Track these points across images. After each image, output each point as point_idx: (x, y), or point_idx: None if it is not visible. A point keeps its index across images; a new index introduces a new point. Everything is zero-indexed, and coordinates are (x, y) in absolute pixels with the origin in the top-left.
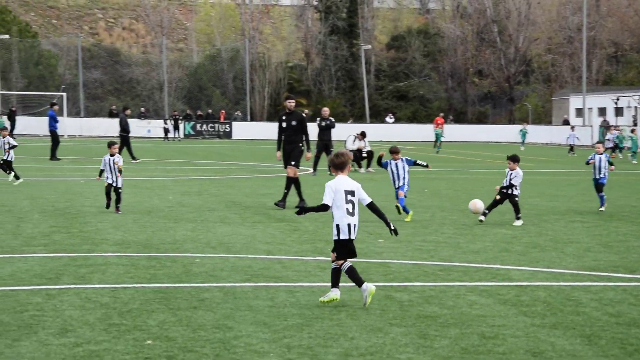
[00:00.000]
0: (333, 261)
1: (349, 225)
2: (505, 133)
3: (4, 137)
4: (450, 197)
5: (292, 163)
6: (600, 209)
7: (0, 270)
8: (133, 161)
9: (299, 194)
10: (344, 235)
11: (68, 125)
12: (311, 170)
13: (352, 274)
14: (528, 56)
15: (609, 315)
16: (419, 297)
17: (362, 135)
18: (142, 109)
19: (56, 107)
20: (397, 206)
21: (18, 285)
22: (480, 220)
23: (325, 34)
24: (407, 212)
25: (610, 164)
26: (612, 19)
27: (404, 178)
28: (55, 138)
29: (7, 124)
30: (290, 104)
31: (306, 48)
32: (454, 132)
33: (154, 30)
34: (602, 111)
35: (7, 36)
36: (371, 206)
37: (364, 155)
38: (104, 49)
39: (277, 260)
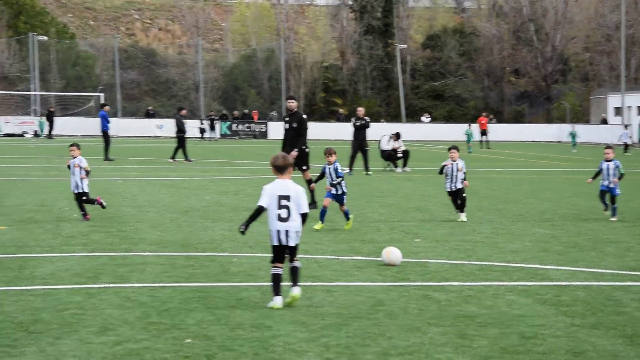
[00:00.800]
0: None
1: (278, 231)
2: (542, 132)
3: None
4: (488, 197)
5: (304, 168)
6: (612, 219)
7: (41, 269)
8: (186, 161)
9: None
10: (273, 241)
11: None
12: (347, 169)
13: (275, 280)
14: (565, 55)
15: None
16: (457, 296)
17: (397, 136)
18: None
19: (107, 108)
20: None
21: (58, 284)
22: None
23: (360, 33)
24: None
25: (620, 176)
26: None
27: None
28: (107, 139)
29: (46, 124)
30: (291, 104)
31: (341, 48)
32: (491, 131)
33: (190, 30)
34: None
35: (45, 37)
36: (303, 217)
37: (399, 155)
38: (141, 49)
39: (314, 259)
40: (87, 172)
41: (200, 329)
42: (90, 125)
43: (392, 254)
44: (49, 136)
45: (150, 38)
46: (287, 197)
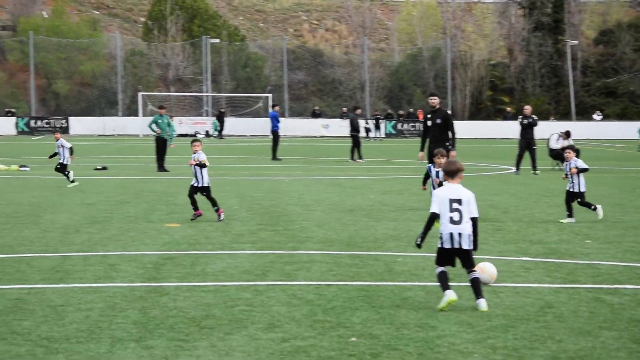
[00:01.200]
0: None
1: (451, 234)
2: None
3: (57, 140)
4: None
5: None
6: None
7: (212, 266)
8: (360, 161)
9: None
10: (444, 244)
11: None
12: (513, 169)
13: (442, 278)
14: None
15: None
16: (631, 300)
17: (567, 134)
18: (344, 109)
19: (277, 108)
20: None
21: (228, 280)
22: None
23: (529, 30)
24: None
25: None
26: None
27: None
28: (276, 138)
29: (216, 125)
30: (433, 101)
31: (509, 45)
32: None
33: (356, 30)
34: None
35: (217, 40)
36: (473, 221)
37: None
38: (308, 50)
39: (480, 259)
40: (203, 166)
41: (365, 328)
42: (258, 126)
43: (486, 271)
44: (220, 136)
45: (317, 39)
46: (458, 201)
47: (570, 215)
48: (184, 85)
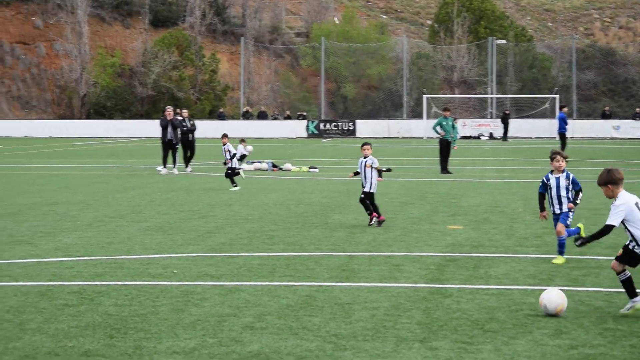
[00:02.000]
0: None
1: None
2: None
3: (224, 145)
4: None
5: None
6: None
7: (495, 269)
8: None
9: None
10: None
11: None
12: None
13: (629, 283)
14: None
15: None
16: None
17: None
18: (638, 110)
19: (565, 109)
20: None
21: (512, 284)
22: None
23: None
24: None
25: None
26: None
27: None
28: (563, 140)
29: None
30: None
31: None
32: None
33: None
34: None
35: (503, 41)
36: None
37: None
38: (599, 49)
39: None
40: (379, 172)
41: None
42: (543, 127)
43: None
44: (504, 138)
45: (609, 37)
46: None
47: None
48: (468, 87)
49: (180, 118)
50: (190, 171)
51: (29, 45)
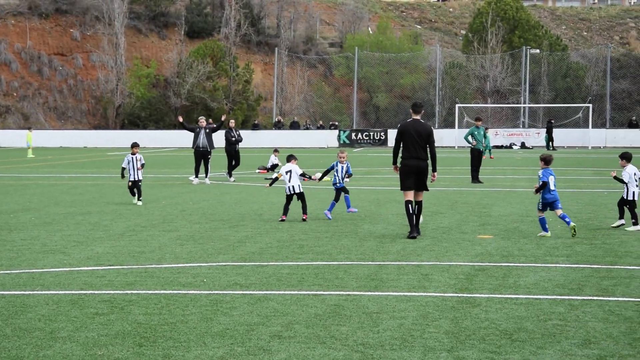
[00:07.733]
0: None
1: None
2: None
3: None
4: None
5: None
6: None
7: (525, 278)
8: None
9: None
10: None
11: (592, 137)
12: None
13: None
14: None
15: None
16: None
17: None
18: None
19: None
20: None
21: (541, 294)
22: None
23: None
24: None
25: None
26: None
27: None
28: None
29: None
30: None
31: None
32: None
33: None
34: None
35: (537, 50)
36: None
37: None
38: (634, 58)
39: None
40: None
41: None
42: (575, 137)
43: None
44: (550, 147)
45: None
46: None
47: None
48: (501, 96)
49: (213, 126)
50: (234, 181)
51: (66, 56)
